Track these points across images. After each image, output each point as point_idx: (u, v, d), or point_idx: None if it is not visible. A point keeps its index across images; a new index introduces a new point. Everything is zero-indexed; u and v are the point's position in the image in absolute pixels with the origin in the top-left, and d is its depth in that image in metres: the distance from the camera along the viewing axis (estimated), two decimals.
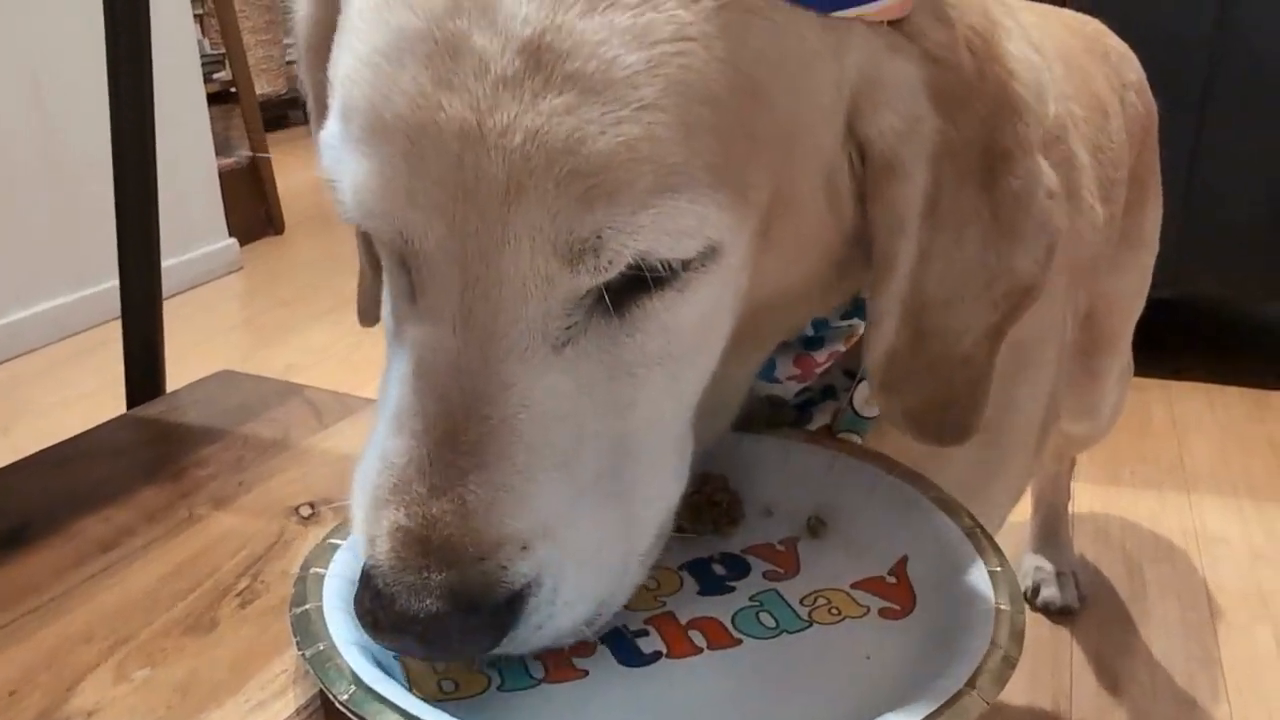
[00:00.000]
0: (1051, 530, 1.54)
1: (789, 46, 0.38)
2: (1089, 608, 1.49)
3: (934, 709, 0.37)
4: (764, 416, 0.56)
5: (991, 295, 0.47)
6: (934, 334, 0.47)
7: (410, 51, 0.36)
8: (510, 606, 0.39)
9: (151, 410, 0.69)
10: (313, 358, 2.48)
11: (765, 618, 0.46)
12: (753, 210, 0.40)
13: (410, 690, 0.41)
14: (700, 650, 0.45)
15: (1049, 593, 1.48)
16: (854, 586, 0.48)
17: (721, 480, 0.51)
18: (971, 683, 0.38)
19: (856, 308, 0.52)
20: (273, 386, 0.73)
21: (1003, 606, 0.42)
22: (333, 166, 0.39)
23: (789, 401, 0.56)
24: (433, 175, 0.36)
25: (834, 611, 0.47)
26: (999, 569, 0.44)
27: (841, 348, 0.53)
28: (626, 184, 0.35)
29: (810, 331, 0.52)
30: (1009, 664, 0.39)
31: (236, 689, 0.44)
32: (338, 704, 0.38)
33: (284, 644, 0.47)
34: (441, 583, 0.37)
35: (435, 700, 0.41)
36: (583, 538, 0.41)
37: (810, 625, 0.46)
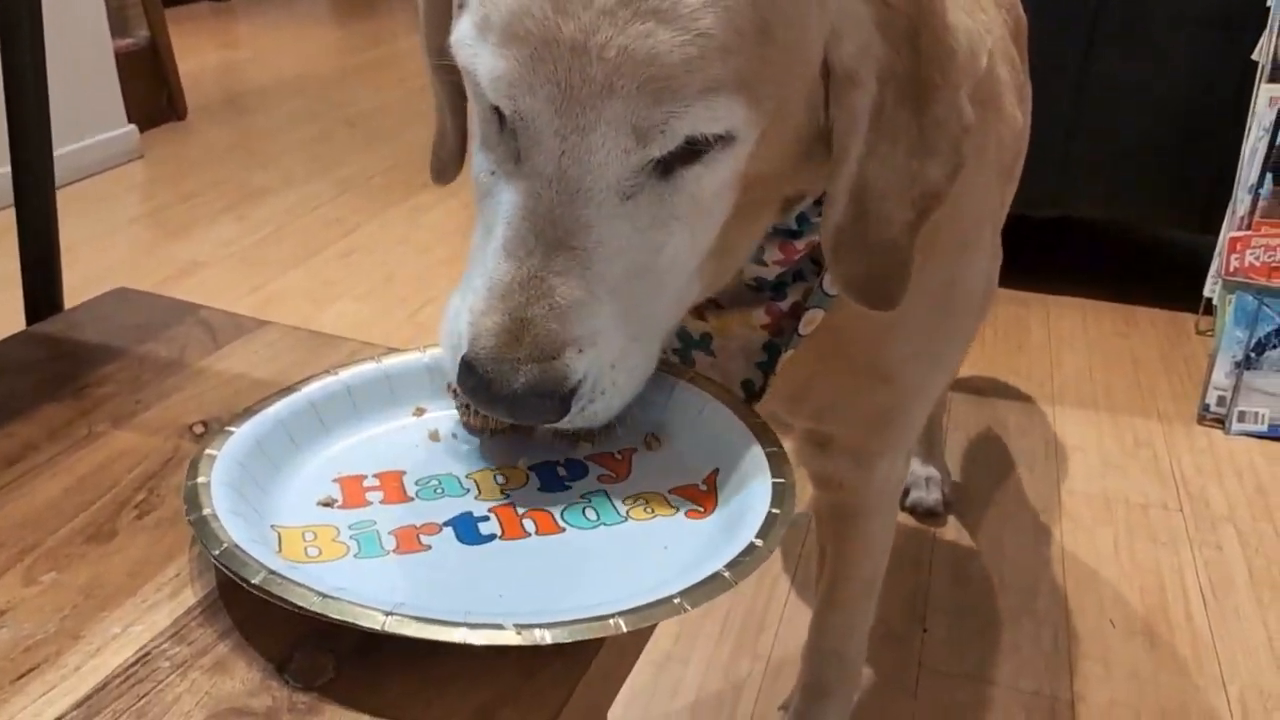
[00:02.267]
0: (924, 436, 1.65)
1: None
2: (952, 511, 1.62)
3: (691, 584, 0.46)
4: (748, 295, 0.69)
5: (911, 195, 0.59)
6: (870, 217, 0.59)
7: None
8: (570, 394, 0.54)
9: (50, 328, 0.72)
10: (218, 253, 2.46)
11: (589, 512, 0.55)
12: (761, 114, 0.54)
13: (279, 553, 0.49)
14: (528, 535, 0.53)
15: (918, 495, 1.60)
16: (671, 491, 0.57)
17: None
18: (730, 566, 0.47)
19: None
20: (168, 305, 0.76)
21: (775, 511, 0.51)
22: (470, 59, 0.53)
23: (769, 281, 0.68)
24: (550, 74, 0.50)
25: (649, 510, 0.55)
26: (783, 483, 0.53)
27: (816, 237, 0.65)
28: (685, 85, 0.50)
29: (793, 225, 0.65)
30: (762, 556, 0.49)
31: (134, 591, 0.49)
32: (213, 560, 0.45)
33: (177, 552, 0.52)
34: (526, 372, 0.52)
35: (301, 562, 0.48)
36: (618, 346, 0.55)
37: (625, 520, 0.55)
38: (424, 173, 0.74)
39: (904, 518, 1.59)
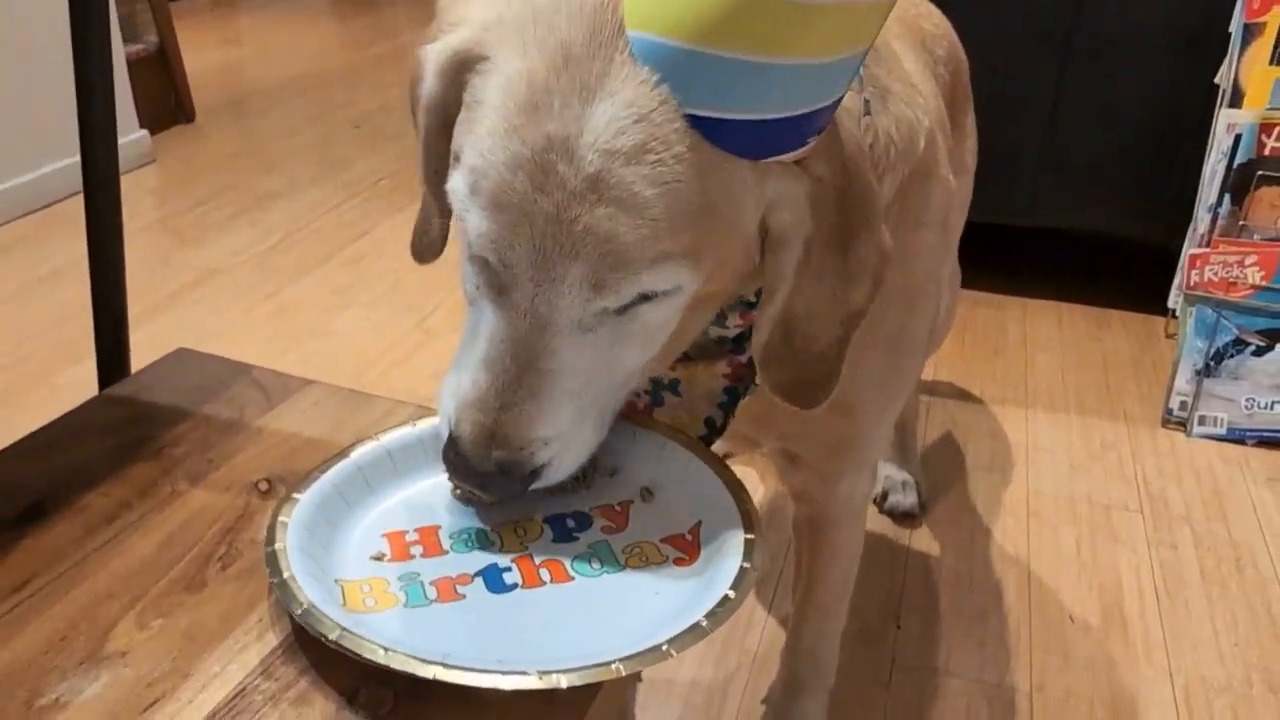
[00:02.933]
0: (901, 442, 1.76)
1: (732, 181, 0.62)
2: (927, 512, 1.74)
3: (677, 633, 0.58)
4: (712, 350, 0.80)
5: (838, 316, 0.70)
6: (798, 336, 0.69)
7: (520, 167, 0.59)
8: (532, 475, 0.66)
9: (123, 390, 0.83)
10: (230, 260, 2.57)
11: (595, 562, 0.67)
12: (702, 271, 0.64)
13: (344, 606, 0.61)
14: (545, 584, 0.65)
15: (895, 499, 1.71)
16: (662, 541, 0.69)
17: None
18: (708, 616, 0.59)
19: None
20: (224, 366, 0.87)
21: (745, 566, 0.63)
22: (461, 213, 0.63)
23: (729, 339, 0.80)
24: (528, 237, 0.60)
25: (643, 558, 0.67)
26: (754, 538, 0.65)
27: None
28: (637, 259, 0.60)
29: (752, 299, 0.76)
30: (734, 606, 0.61)
31: (226, 635, 0.61)
32: (295, 619, 0.58)
33: (258, 599, 0.64)
34: (497, 458, 0.64)
35: (361, 613, 0.60)
36: (576, 436, 0.67)
37: (624, 569, 0.66)
38: None
39: (881, 520, 1.71)
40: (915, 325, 0.89)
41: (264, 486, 0.73)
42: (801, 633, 1.19)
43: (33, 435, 0.77)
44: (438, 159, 0.70)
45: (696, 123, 0.59)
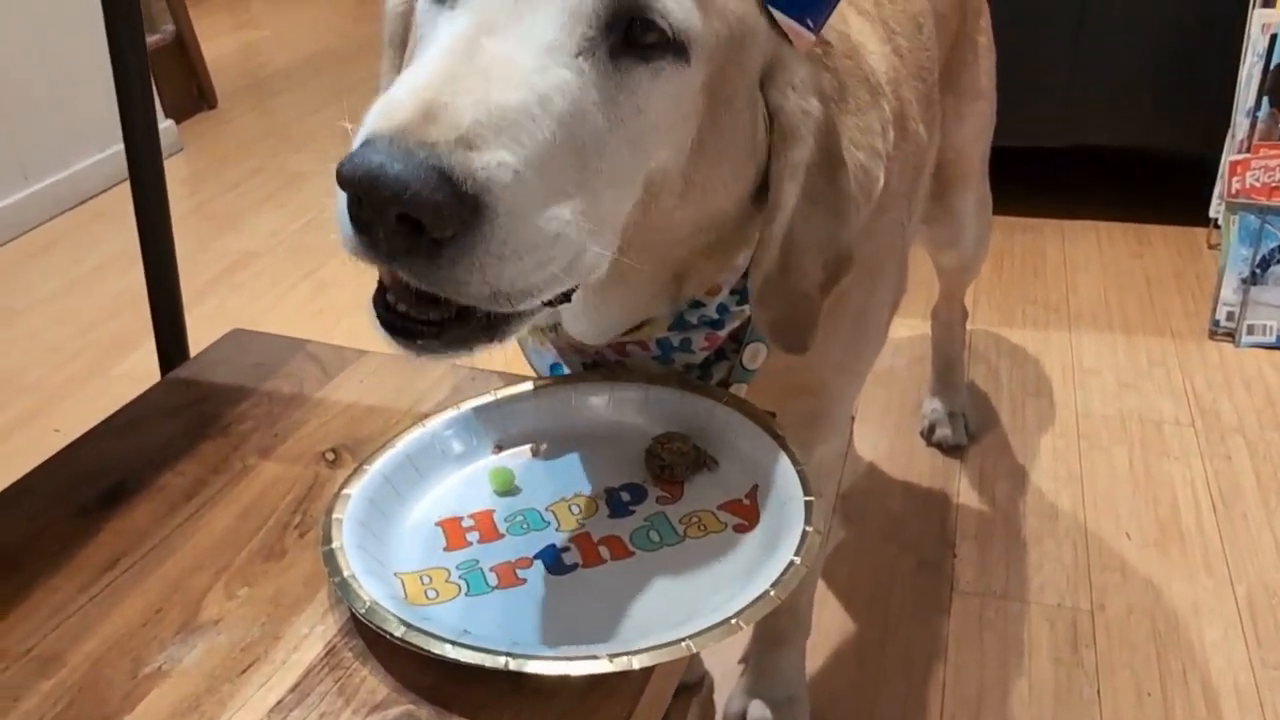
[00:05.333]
0: (947, 376, 1.76)
1: (748, 6, 0.60)
2: (976, 442, 1.74)
3: (745, 605, 0.57)
4: (680, 374, 0.77)
5: (825, 256, 0.67)
6: (792, 270, 0.66)
7: None
8: (469, 199, 0.47)
9: (185, 373, 0.86)
10: (267, 243, 2.60)
11: (653, 535, 0.66)
12: (709, 53, 0.58)
13: (405, 600, 0.60)
14: (605, 561, 0.64)
15: (943, 432, 1.72)
16: (719, 508, 0.68)
17: (685, 438, 0.71)
18: (775, 585, 0.58)
19: (743, 298, 0.71)
20: (280, 343, 0.89)
21: (808, 529, 0.62)
22: None
23: (697, 363, 0.77)
24: None
25: (702, 528, 0.66)
26: (812, 499, 0.64)
27: (735, 324, 0.74)
28: None
29: (715, 316, 0.73)
30: (800, 573, 0.59)
31: (311, 598, 0.64)
32: (359, 616, 0.58)
33: None
34: (425, 147, 0.47)
35: (423, 605, 0.60)
36: (541, 191, 0.50)
37: (684, 540, 0.65)
38: None
39: (930, 452, 1.71)
40: (876, 304, 0.88)
41: (330, 456, 0.76)
42: None
43: (105, 422, 0.80)
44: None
45: None
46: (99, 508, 0.71)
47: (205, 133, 3.40)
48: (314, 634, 0.61)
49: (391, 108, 0.49)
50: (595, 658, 0.54)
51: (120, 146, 0.87)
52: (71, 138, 2.75)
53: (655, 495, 0.69)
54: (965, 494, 1.63)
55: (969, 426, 1.73)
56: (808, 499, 0.64)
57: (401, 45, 0.71)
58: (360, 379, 0.84)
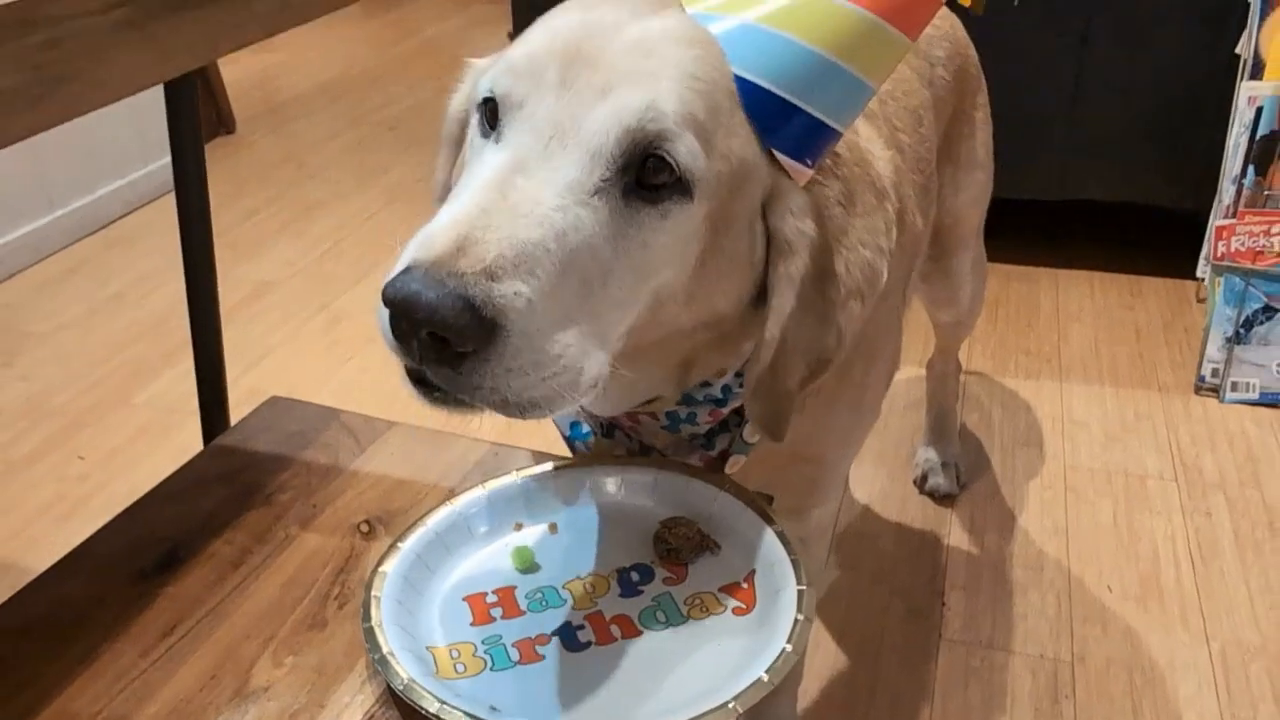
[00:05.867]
0: (940, 425, 1.83)
1: (751, 145, 0.68)
2: (967, 489, 1.81)
3: (739, 691, 0.63)
4: (685, 446, 0.84)
5: (809, 358, 0.75)
6: (779, 370, 0.74)
7: (561, 33, 0.65)
8: (489, 323, 0.56)
9: (228, 440, 0.93)
10: (283, 272, 2.67)
11: (660, 615, 0.72)
12: (711, 190, 0.66)
13: (436, 674, 0.66)
14: (616, 640, 0.70)
15: (934, 481, 1.78)
16: (720, 589, 0.74)
17: (691, 523, 0.78)
18: (769, 670, 0.65)
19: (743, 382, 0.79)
20: (316, 413, 0.96)
21: (799, 618, 0.68)
22: (495, 82, 0.65)
23: (701, 434, 0.84)
24: (558, 73, 0.63)
25: (704, 609, 0.72)
26: (804, 588, 0.71)
27: (738, 403, 0.81)
28: (667, 110, 0.63)
29: (719, 395, 0.80)
30: (791, 660, 0.65)
31: (351, 668, 0.70)
32: (396, 693, 0.64)
33: None
34: (454, 277, 0.55)
35: (453, 679, 0.67)
36: (550, 316, 0.59)
37: (687, 620, 0.71)
38: None
39: (922, 500, 1.78)
40: (874, 381, 0.96)
41: (364, 528, 0.83)
42: None
43: (157, 488, 0.87)
44: (446, 172, 0.76)
45: (736, 81, 0.67)
46: (155, 574, 0.78)
47: (225, 157, 3.47)
48: (354, 703, 0.67)
49: (431, 240, 0.58)
50: None
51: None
52: (94, 162, 2.83)
53: (662, 576, 0.75)
54: (955, 541, 1.70)
55: (960, 476, 1.80)
56: (800, 588, 0.70)
57: (455, 145, 0.79)
58: (390, 451, 0.91)
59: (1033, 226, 2.57)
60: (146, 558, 0.79)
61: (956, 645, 1.49)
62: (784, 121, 0.68)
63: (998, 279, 2.43)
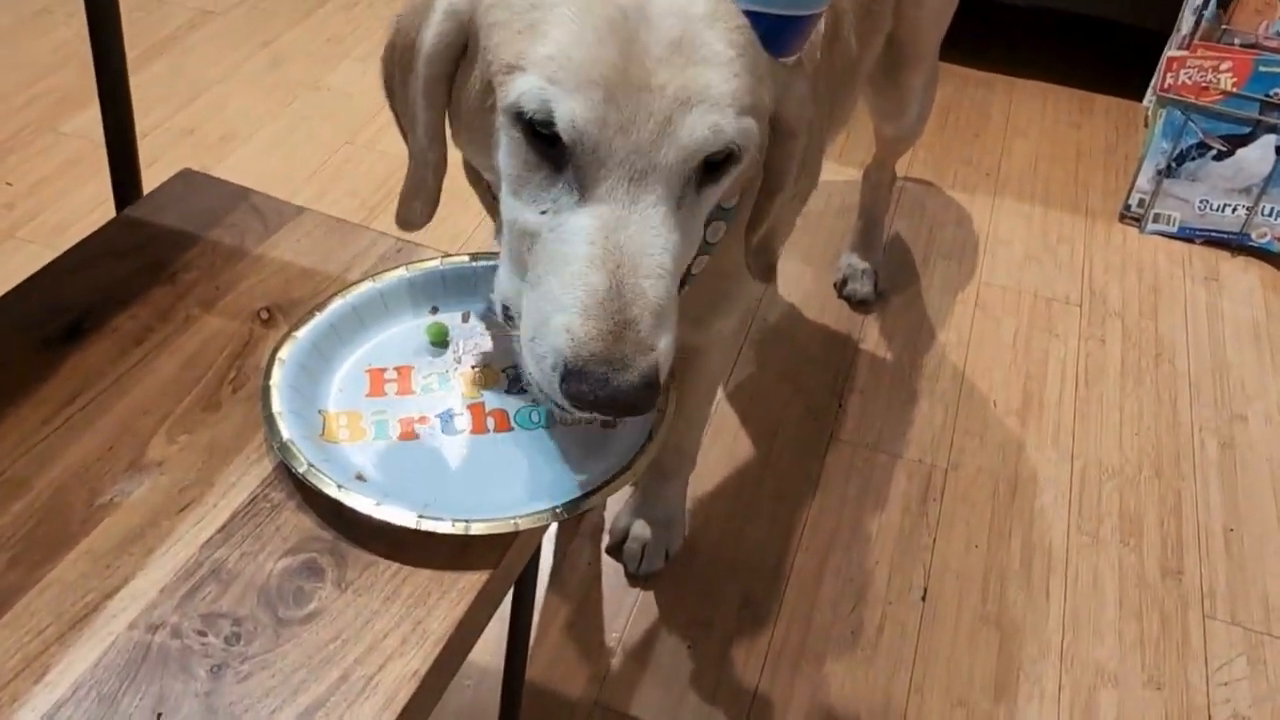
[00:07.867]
0: (867, 233, 1.87)
1: (763, 61, 0.71)
2: (885, 299, 1.87)
3: (569, 499, 0.70)
4: None
5: (795, 203, 0.85)
6: (768, 236, 0.84)
7: (605, 40, 0.64)
8: (656, 382, 0.66)
9: (137, 213, 0.94)
10: (224, 2, 2.55)
11: (534, 415, 0.79)
12: (758, 139, 0.71)
13: (321, 435, 0.74)
14: (488, 431, 0.77)
15: (853, 286, 1.84)
16: None
17: None
18: (598, 488, 0.72)
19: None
20: (226, 191, 0.97)
21: (647, 444, 0.75)
22: (542, 106, 0.65)
23: None
24: (620, 111, 0.64)
25: (575, 418, 0.77)
26: (662, 412, 0.77)
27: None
28: (730, 108, 0.66)
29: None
30: (628, 478, 0.73)
31: (240, 450, 0.76)
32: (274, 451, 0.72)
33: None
34: (635, 367, 0.64)
35: (334, 443, 0.74)
36: (672, 320, 0.68)
37: (556, 425, 0.78)
38: None
39: (838, 304, 1.85)
40: (794, 204, 1.01)
41: (264, 315, 0.86)
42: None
43: (63, 256, 0.89)
44: (438, 110, 0.76)
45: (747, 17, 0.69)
46: (60, 342, 0.81)
47: None
48: (240, 483, 0.73)
49: (585, 336, 0.64)
50: (440, 519, 0.68)
51: None
52: None
53: None
54: (865, 346, 1.78)
55: (879, 284, 1.85)
56: (659, 410, 0.76)
57: (443, 91, 0.76)
58: (297, 239, 0.93)
59: (999, 34, 2.51)
60: (51, 326, 0.82)
61: (844, 445, 1.60)
62: (784, 31, 0.71)
63: (955, 82, 2.40)
